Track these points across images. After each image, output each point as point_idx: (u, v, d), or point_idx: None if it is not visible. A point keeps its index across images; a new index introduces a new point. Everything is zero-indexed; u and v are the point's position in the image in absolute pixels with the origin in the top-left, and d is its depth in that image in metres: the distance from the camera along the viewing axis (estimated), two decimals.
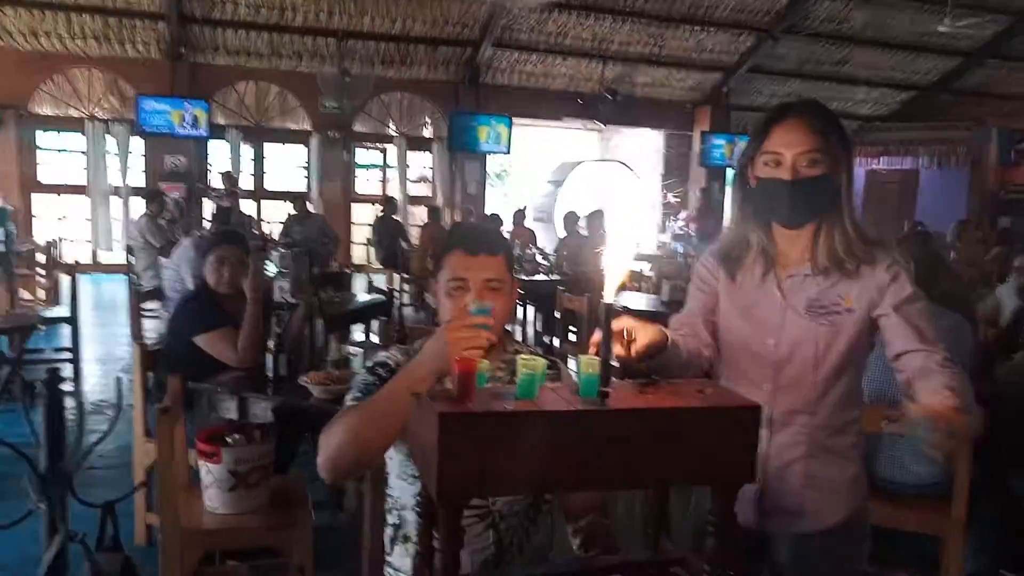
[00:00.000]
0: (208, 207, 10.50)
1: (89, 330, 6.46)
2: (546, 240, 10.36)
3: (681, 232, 12.60)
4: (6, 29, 9.91)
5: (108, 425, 1.45)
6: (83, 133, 10.68)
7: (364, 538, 1.63)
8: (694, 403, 1.11)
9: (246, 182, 11.49)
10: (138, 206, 8.21)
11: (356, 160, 12.38)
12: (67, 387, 4.99)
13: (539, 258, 7.82)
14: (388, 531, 1.63)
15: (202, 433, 2.37)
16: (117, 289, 8.73)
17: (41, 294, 7.27)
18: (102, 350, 6.45)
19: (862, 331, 1.54)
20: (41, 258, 7.59)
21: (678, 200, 14.00)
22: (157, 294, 5.30)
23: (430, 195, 12.72)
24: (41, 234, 9.61)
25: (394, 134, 12.23)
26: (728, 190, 12.26)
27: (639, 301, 5.67)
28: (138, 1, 9.93)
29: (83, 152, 10.81)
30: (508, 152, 12.65)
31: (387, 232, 9.49)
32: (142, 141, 10.84)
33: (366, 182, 12.77)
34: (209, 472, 2.32)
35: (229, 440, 2.33)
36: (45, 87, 10.44)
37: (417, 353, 1.46)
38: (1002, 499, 2.83)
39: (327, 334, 3.32)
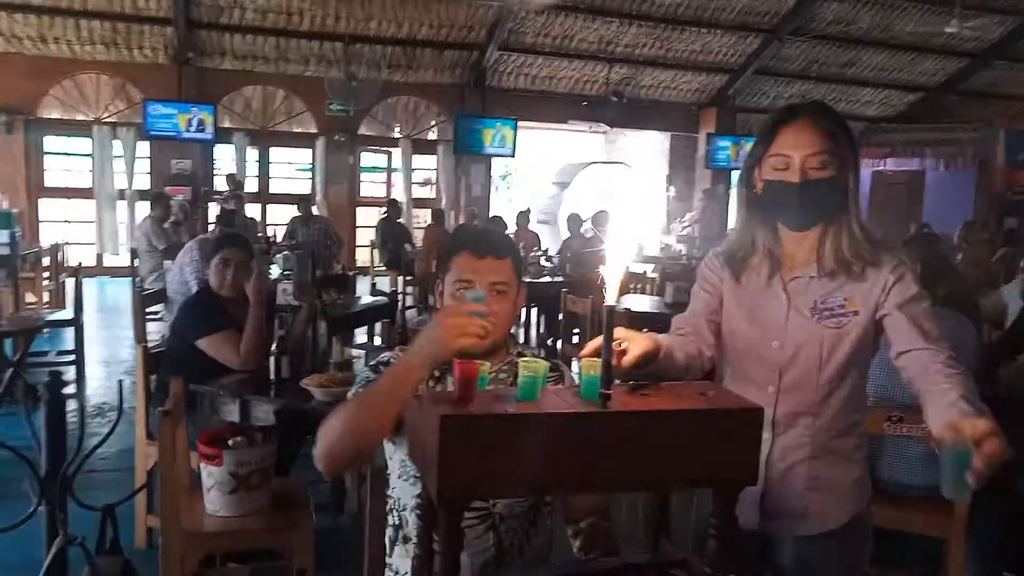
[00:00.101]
0: (213, 210, 10.53)
1: (93, 333, 6.47)
2: (551, 242, 10.36)
3: (685, 234, 12.60)
4: (15, 35, 9.97)
5: (109, 428, 1.45)
6: (90, 137, 10.73)
7: (365, 540, 1.62)
8: (696, 405, 1.10)
9: (251, 185, 11.53)
10: (144, 209, 8.23)
11: (361, 163, 12.40)
12: (69, 390, 5.01)
13: (543, 260, 7.82)
14: (388, 531, 1.63)
15: (204, 435, 2.37)
16: (122, 292, 8.75)
17: (46, 297, 7.29)
18: (106, 353, 6.47)
19: (867, 334, 1.53)
20: (46, 261, 7.62)
21: (683, 202, 13.98)
22: (161, 297, 5.30)
23: (435, 198, 12.75)
24: (48, 238, 9.65)
25: (399, 137, 12.26)
26: (733, 192, 12.24)
27: (643, 303, 5.66)
28: (146, 6, 9.97)
29: (90, 156, 10.85)
30: (513, 155, 12.64)
31: (391, 235, 9.51)
32: (148, 145, 10.88)
33: (371, 185, 12.79)
34: (210, 474, 2.32)
35: (231, 442, 2.33)
36: (53, 92, 10.49)
37: None
38: (1005, 501, 2.81)
39: (330, 337, 3.32)
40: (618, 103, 12.31)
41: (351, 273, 6.23)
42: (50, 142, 10.89)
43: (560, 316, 5.35)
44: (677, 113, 13.42)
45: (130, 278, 7.43)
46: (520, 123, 12.27)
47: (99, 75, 10.65)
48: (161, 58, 10.59)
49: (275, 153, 12.05)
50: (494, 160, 12.87)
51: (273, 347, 2.94)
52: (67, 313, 5.69)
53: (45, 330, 5.70)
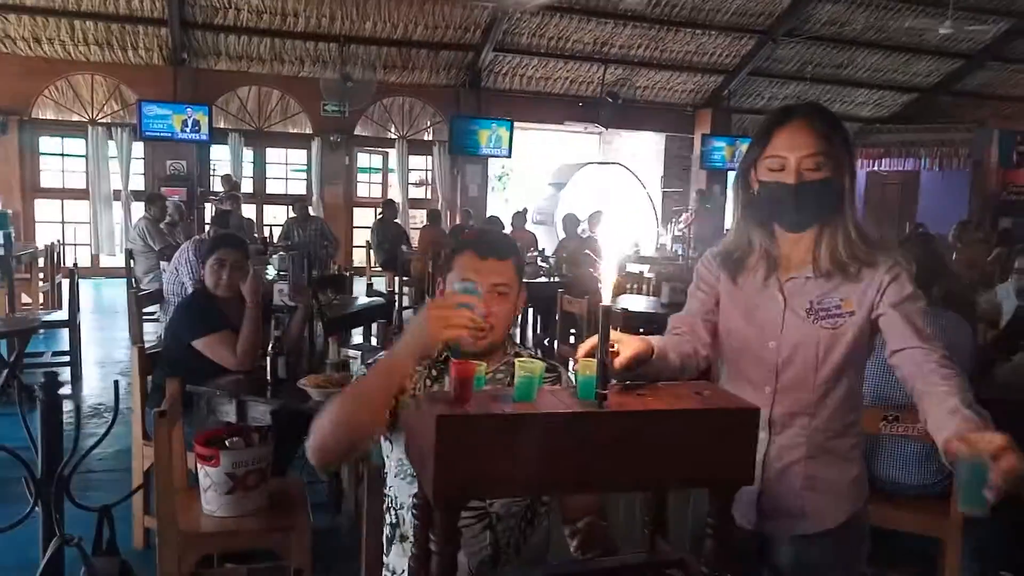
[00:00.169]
0: (209, 211, 10.51)
1: (89, 334, 6.45)
2: (547, 243, 10.35)
3: (681, 234, 12.60)
4: (9, 36, 9.94)
5: (106, 429, 1.45)
6: (85, 138, 10.70)
7: (362, 540, 1.62)
8: (693, 405, 1.10)
9: (247, 186, 11.51)
10: (139, 210, 8.21)
11: (357, 164, 12.39)
12: (65, 391, 5.00)
13: (539, 261, 7.82)
14: (385, 530, 1.63)
15: (200, 436, 2.37)
16: (118, 293, 8.73)
17: (41, 298, 7.27)
18: (102, 353, 6.45)
19: (863, 334, 1.54)
20: (41, 262, 7.60)
21: (678, 202, 14.00)
22: (157, 297, 5.29)
23: (431, 199, 12.74)
24: (44, 238, 9.62)
25: (395, 138, 12.25)
26: (729, 193, 12.25)
27: (639, 303, 5.66)
28: (140, 7, 9.95)
29: (85, 157, 10.83)
30: (509, 155, 12.65)
31: (387, 235, 9.50)
32: (144, 145, 10.86)
33: (367, 186, 12.79)
34: (207, 475, 2.32)
35: (227, 443, 2.33)
36: (48, 93, 10.46)
37: None
38: (1002, 501, 2.82)
39: (326, 337, 3.32)
40: (613, 104, 12.32)
41: (347, 273, 6.20)
42: (45, 143, 10.86)
43: (556, 316, 5.35)
44: (672, 114, 13.44)
45: (126, 279, 7.40)
46: (516, 124, 12.26)
47: (93, 76, 10.62)
48: (156, 59, 10.57)
49: (271, 154, 12.03)
50: (490, 161, 12.87)
51: (269, 347, 2.94)
52: (63, 314, 5.67)
53: (41, 331, 5.68)
